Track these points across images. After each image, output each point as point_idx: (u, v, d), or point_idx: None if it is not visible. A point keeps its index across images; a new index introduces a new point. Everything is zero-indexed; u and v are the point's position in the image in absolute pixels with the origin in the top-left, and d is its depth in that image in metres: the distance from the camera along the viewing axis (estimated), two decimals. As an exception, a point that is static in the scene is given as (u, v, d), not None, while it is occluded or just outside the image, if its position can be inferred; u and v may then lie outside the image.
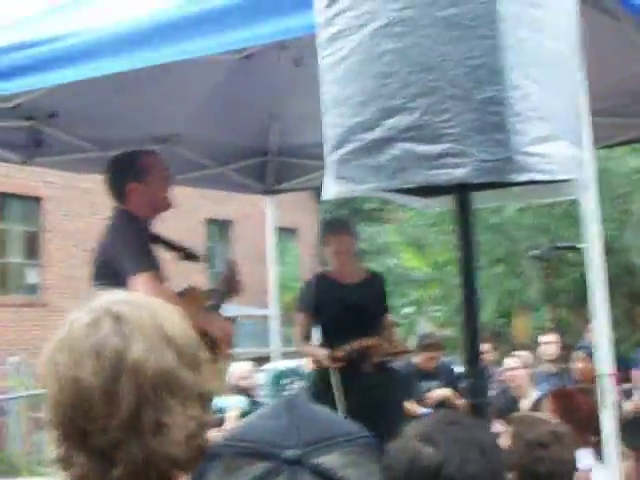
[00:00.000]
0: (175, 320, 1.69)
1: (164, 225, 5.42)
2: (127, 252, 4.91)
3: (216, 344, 5.27)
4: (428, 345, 9.06)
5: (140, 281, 4.77)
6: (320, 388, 6.56)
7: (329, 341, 6.60)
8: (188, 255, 5.70)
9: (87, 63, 4.17)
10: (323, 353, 6.46)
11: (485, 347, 9.54)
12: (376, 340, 6.52)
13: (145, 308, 1.68)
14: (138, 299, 1.72)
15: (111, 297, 1.71)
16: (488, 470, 2.30)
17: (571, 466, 3.55)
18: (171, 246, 5.63)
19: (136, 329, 1.63)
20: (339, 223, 7.42)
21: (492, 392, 9.24)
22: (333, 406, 6.11)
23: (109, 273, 4.94)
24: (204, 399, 1.67)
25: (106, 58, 4.12)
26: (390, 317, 7.22)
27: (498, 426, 5.31)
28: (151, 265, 4.90)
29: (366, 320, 6.70)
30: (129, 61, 4.08)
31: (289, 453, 1.32)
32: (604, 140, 7.32)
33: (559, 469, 3.43)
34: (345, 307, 6.59)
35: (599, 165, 13.63)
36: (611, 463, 3.60)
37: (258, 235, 13.94)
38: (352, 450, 1.37)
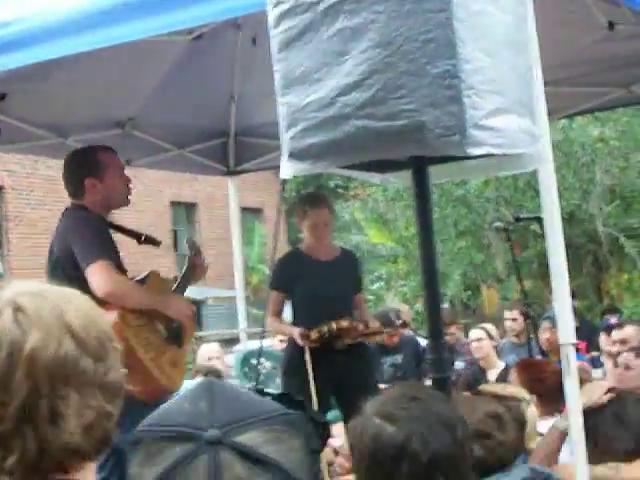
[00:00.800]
0: (81, 310, 1.67)
1: (130, 210, 5.42)
2: (81, 244, 4.93)
3: (180, 329, 5.29)
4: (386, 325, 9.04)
5: (93, 270, 4.79)
6: (292, 366, 6.55)
7: (301, 319, 6.58)
8: (147, 239, 5.69)
9: (36, 47, 4.13)
10: (297, 332, 6.42)
11: (452, 329, 9.58)
12: (350, 322, 6.52)
13: (49, 298, 1.66)
14: (46, 290, 1.70)
15: (19, 288, 1.69)
16: (453, 443, 2.30)
17: (517, 442, 3.54)
18: (129, 232, 5.64)
19: (35, 319, 1.61)
20: (318, 196, 7.39)
21: (461, 365, 9.29)
22: (305, 384, 6.12)
23: (66, 267, 4.95)
24: (109, 389, 1.64)
25: (54, 42, 4.08)
26: (362, 296, 7.22)
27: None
28: (104, 254, 4.89)
29: (340, 298, 6.70)
30: (78, 44, 4.05)
31: (209, 434, 1.35)
32: (565, 109, 7.35)
33: (505, 452, 3.43)
34: (320, 284, 6.57)
35: (561, 135, 13.71)
36: (575, 431, 3.62)
37: (223, 217, 13.92)
38: (272, 428, 1.40)
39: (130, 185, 5.36)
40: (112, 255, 4.96)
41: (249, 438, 1.36)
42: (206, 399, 1.41)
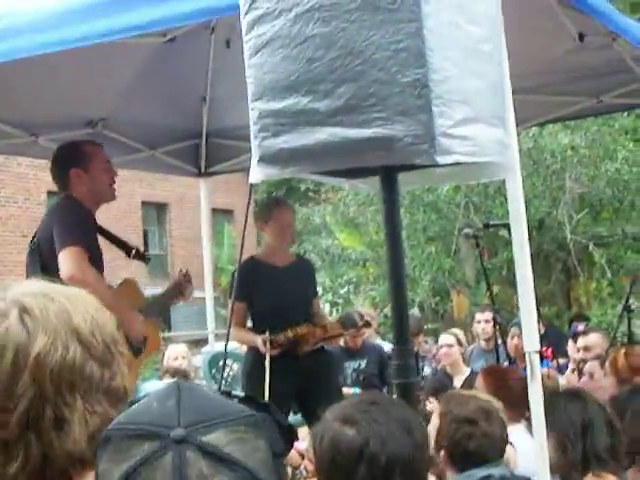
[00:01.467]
0: (88, 313, 1.66)
1: (100, 209, 5.44)
2: (61, 227, 4.97)
3: (145, 341, 5.30)
4: (350, 326, 9.04)
5: (65, 254, 4.81)
6: (254, 371, 6.55)
7: (263, 326, 6.55)
8: (137, 255, 5.71)
9: (4, 46, 4.13)
10: (259, 340, 6.39)
11: (419, 338, 9.59)
12: (308, 327, 6.53)
13: (55, 299, 1.64)
14: (52, 290, 1.67)
15: (25, 288, 1.67)
16: (411, 446, 2.32)
17: (501, 441, 3.60)
18: (119, 243, 5.66)
19: (41, 322, 1.59)
20: (283, 198, 7.44)
21: (428, 372, 9.31)
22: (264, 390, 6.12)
23: (45, 249, 4.98)
24: (113, 395, 1.64)
25: (23, 41, 4.09)
26: (318, 300, 7.25)
27: (431, 404, 5.38)
28: (80, 242, 4.90)
29: (300, 304, 6.73)
30: (46, 44, 4.05)
31: (175, 432, 1.38)
32: (536, 118, 7.41)
33: (489, 444, 3.48)
34: (279, 291, 6.57)
35: (531, 142, 13.76)
36: (539, 437, 3.65)
37: (194, 217, 13.89)
38: (237, 428, 1.42)
39: (115, 179, 5.40)
40: (88, 247, 4.96)
41: (214, 438, 1.38)
42: (174, 399, 1.43)
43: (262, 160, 2.69)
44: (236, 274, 6.61)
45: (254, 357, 6.57)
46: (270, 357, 6.31)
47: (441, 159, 2.51)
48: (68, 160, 5.30)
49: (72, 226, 5.00)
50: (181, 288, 5.76)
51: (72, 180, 5.24)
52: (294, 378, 6.36)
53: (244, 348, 9.90)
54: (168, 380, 7.92)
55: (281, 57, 2.63)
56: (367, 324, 8.78)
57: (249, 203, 6.54)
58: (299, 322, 6.54)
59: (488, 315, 9.13)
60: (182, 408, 1.41)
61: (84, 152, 5.32)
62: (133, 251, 5.72)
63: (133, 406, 1.50)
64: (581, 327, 10.40)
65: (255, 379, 6.44)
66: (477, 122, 2.62)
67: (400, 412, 2.39)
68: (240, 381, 7.15)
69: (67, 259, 4.84)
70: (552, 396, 4.33)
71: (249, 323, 6.94)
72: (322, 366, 6.65)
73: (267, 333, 6.36)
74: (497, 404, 4.07)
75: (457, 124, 2.54)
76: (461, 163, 2.66)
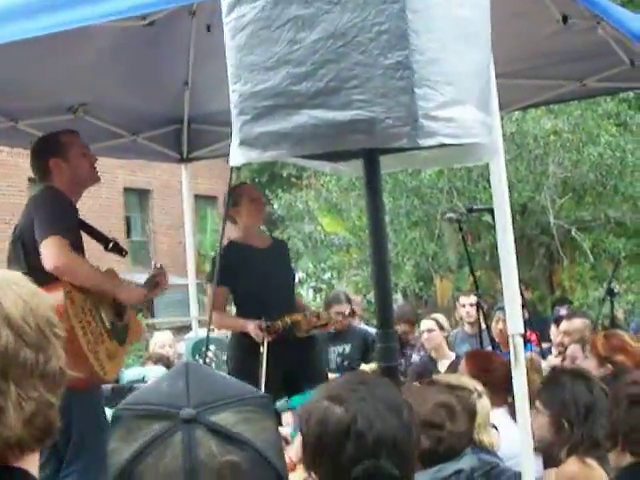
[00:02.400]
0: (20, 298, 1.62)
1: (82, 195, 5.43)
2: (42, 217, 4.97)
3: (126, 329, 5.30)
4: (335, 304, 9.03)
5: (47, 243, 4.80)
6: (243, 357, 6.53)
7: (249, 309, 6.52)
8: (115, 248, 5.70)
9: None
10: (253, 326, 6.35)
11: (403, 328, 9.57)
12: (303, 314, 6.56)
13: None
14: None
15: None
16: (398, 426, 2.32)
17: (468, 432, 3.58)
18: (97, 235, 5.64)
19: None
20: (240, 184, 7.48)
21: (416, 358, 9.30)
22: (256, 375, 6.10)
23: (26, 239, 4.96)
24: (49, 379, 1.62)
25: (1, 27, 4.06)
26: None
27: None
28: (62, 231, 4.89)
29: (285, 285, 6.78)
30: (26, 29, 4.02)
31: (185, 412, 1.41)
32: (519, 102, 7.40)
33: (457, 441, 3.46)
34: (264, 271, 6.55)
35: (514, 127, 13.79)
36: (523, 421, 3.65)
37: (177, 204, 13.84)
38: (246, 409, 1.46)
39: (95, 164, 5.40)
40: (69, 236, 4.95)
41: (223, 418, 1.42)
42: (183, 380, 1.47)
43: (242, 143, 2.67)
44: (217, 259, 6.59)
45: (242, 342, 6.54)
46: (250, 348, 6.30)
47: (423, 141, 2.49)
48: (46, 151, 5.34)
49: (53, 216, 4.99)
50: (156, 280, 5.73)
51: (52, 170, 5.27)
52: (282, 364, 6.34)
53: (227, 334, 9.92)
54: (150, 367, 7.91)
55: (261, 39, 2.61)
56: (353, 313, 8.81)
57: (230, 187, 6.52)
58: (285, 304, 6.56)
59: (473, 299, 9.13)
60: (191, 388, 1.45)
61: (61, 141, 5.34)
62: (110, 244, 5.70)
63: (144, 386, 1.58)
64: (564, 311, 10.44)
65: (245, 365, 6.42)
66: (462, 104, 2.61)
67: (388, 392, 2.39)
68: (226, 366, 7.12)
69: (49, 249, 4.83)
70: (556, 373, 4.34)
71: (233, 309, 6.92)
72: (309, 351, 6.65)
73: (262, 319, 6.32)
74: (477, 387, 4.06)
75: (441, 106, 2.52)
76: (445, 146, 2.64)
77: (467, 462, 3.43)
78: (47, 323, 1.65)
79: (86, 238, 5.50)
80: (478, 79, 2.73)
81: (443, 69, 2.55)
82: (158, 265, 5.84)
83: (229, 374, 6.53)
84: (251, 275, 6.55)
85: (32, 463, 1.65)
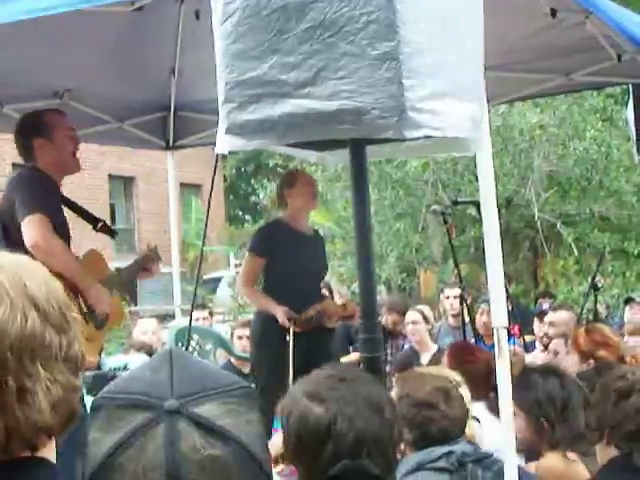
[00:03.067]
0: (41, 279, 1.61)
1: (67, 182, 5.39)
2: (24, 196, 4.92)
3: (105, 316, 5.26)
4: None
5: (28, 221, 4.76)
6: (266, 340, 6.56)
7: (280, 290, 6.53)
8: (104, 229, 5.66)
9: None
10: (282, 313, 6.36)
11: (393, 317, 9.56)
12: (332, 303, 6.59)
13: (8, 269, 1.59)
14: (2, 259, 1.63)
15: None
16: (380, 425, 2.31)
17: (462, 419, 3.59)
18: (86, 216, 5.60)
19: None
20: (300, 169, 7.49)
21: (406, 345, 9.30)
22: (277, 362, 6.17)
23: (6, 218, 4.92)
24: (72, 362, 1.60)
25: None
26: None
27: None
28: (44, 210, 4.85)
29: (319, 273, 6.84)
30: (12, 12, 4.00)
31: (168, 403, 1.38)
32: (505, 95, 7.39)
33: (451, 425, 3.47)
34: (303, 256, 6.54)
35: (500, 120, 13.80)
36: (506, 413, 3.65)
37: (162, 192, 13.80)
38: (230, 400, 1.42)
39: (79, 147, 5.34)
40: (53, 216, 4.91)
41: (207, 410, 1.38)
42: (167, 369, 1.43)
43: (229, 131, 2.66)
44: (261, 229, 6.74)
45: (265, 324, 6.55)
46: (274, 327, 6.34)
47: (409, 133, 2.49)
48: (31, 130, 5.25)
49: (35, 194, 4.94)
50: (146, 263, 5.69)
51: (36, 150, 5.19)
52: (300, 352, 6.35)
53: (208, 323, 9.92)
54: (133, 355, 7.88)
55: (250, 27, 2.59)
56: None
57: (214, 175, 6.50)
58: (313, 294, 6.61)
59: (457, 291, 9.14)
60: (175, 378, 1.41)
61: (47, 121, 5.26)
62: (100, 224, 5.65)
63: (125, 374, 1.52)
64: (546, 305, 10.48)
65: (268, 348, 6.48)
66: (449, 96, 2.60)
67: (369, 390, 2.37)
68: (207, 355, 7.12)
69: (30, 227, 4.78)
70: (526, 373, 4.34)
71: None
72: (327, 344, 6.63)
73: (288, 309, 6.35)
74: (455, 379, 4.08)
75: (428, 98, 2.52)
76: (431, 137, 2.64)
77: (459, 446, 3.44)
78: (66, 306, 1.64)
79: (75, 218, 5.45)
80: (466, 70, 2.72)
81: (430, 61, 2.54)
82: (152, 245, 5.80)
83: (253, 359, 6.51)
84: (291, 256, 6.52)
85: (53, 450, 1.64)
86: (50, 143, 5.19)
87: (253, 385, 6.19)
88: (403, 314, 9.39)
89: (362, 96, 2.46)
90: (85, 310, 5.10)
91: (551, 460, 3.97)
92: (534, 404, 4.08)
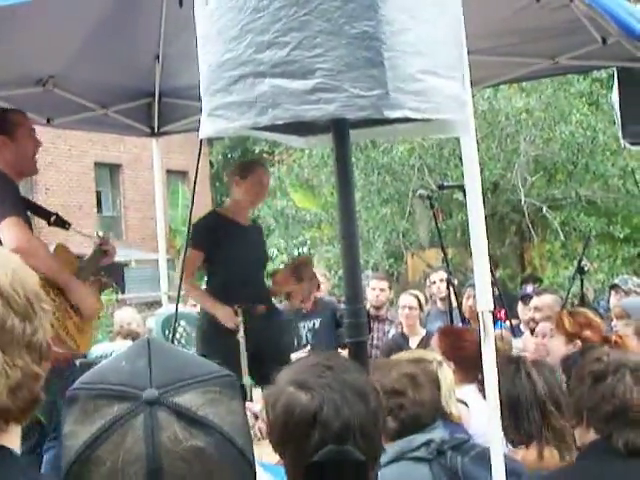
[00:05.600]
0: (9, 267, 1.62)
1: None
2: None
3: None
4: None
5: (5, 224, 4.73)
6: (210, 332, 6.52)
7: (221, 283, 6.54)
8: (57, 222, 5.62)
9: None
10: (225, 315, 6.37)
11: (381, 284, 9.54)
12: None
13: None
14: None
15: None
16: (365, 412, 2.31)
17: (433, 404, 3.59)
18: (39, 211, 5.57)
19: None
20: (264, 161, 7.40)
21: (385, 331, 9.31)
22: (226, 350, 6.09)
23: None
24: (35, 350, 1.60)
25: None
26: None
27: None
28: (17, 212, 4.82)
29: (260, 264, 6.78)
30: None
31: (147, 393, 1.34)
32: (490, 79, 7.38)
33: (422, 410, 3.47)
34: (243, 248, 6.52)
35: (486, 105, 13.79)
36: (491, 396, 3.66)
37: (148, 179, 13.75)
38: (212, 389, 1.39)
39: (38, 149, 5.29)
40: (25, 215, 4.89)
41: (187, 399, 1.35)
42: (144, 358, 1.40)
43: (211, 114, 2.64)
44: (196, 223, 6.63)
45: (213, 323, 6.52)
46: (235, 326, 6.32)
47: (389, 113, 2.46)
48: None
49: (4, 199, 4.89)
50: (103, 248, 5.67)
51: None
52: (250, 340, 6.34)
53: (199, 309, 9.91)
54: (120, 342, 7.87)
55: (228, 7, 2.57)
56: (317, 287, 8.85)
57: (199, 160, 6.48)
58: (255, 286, 6.56)
59: (442, 274, 9.16)
60: (153, 367, 1.38)
61: (10, 120, 5.20)
62: (52, 217, 5.61)
63: (101, 364, 1.47)
64: (530, 289, 10.50)
65: (218, 344, 6.40)
66: (432, 75, 2.58)
67: (355, 378, 2.37)
68: (194, 342, 7.11)
69: (10, 230, 4.75)
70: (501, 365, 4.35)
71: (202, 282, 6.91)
72: (272, 329, 6.63)
73: (236, 307, 6.31)
74: (436, 358, 4.08)
75: (410, 77, 2.50)
76: (413, 120, 2.62)
77: (438, 434, 3.44)
78: (35, 295, 1.63)
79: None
80: (449, 49, 2.70)
81: (412, 39, 2.52)
82: (100, 234, 5.78)
83: (198, 352, 6.52)
84: (229, 247, 6.51)
85: (14, 436, 1.63)
86: (12, 142, 5.12)
87: None
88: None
89: (339, 74, 2.44)
90: (73, 303, 5.10)
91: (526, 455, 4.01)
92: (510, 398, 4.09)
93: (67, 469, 1.36)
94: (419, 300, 8.90)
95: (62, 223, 5.66)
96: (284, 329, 7.12)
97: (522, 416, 4.05)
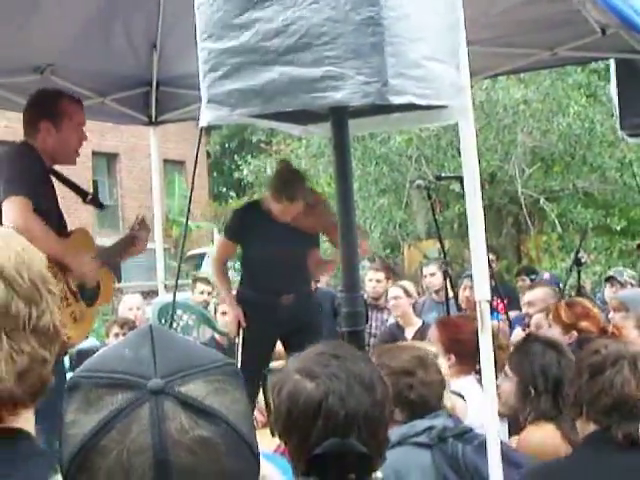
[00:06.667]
0: (14, 250, 1.60)
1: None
2: (8, 175, 4.86)
3: (96, 290, 5.23)
4: None
5: (9, 204, 4.72)
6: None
7: (251, 276, 6.63)
8: (93, 201, 5.62)
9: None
10: (234, 317, 6.51)
11: (377, 275, 9.54)
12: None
13: None
14: None
15: None
16: (371, 403, 2.30)
17: (440, 387, 3.61)
18: (76, 188, 5.56)
19: None
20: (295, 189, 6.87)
21: (384, 320, 9.32)
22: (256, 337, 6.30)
23: None
24: (42, 334, 1.58)
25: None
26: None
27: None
28: (26, 192, 4.79)
29: (294, 258, 6.58)
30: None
31: (152, 382, 1.31)
32: (489, 70, 7.37)
33: (428, 392, 3.49)
34: (275, 242, 6.44)
35: (484, 95, 13.75)
36: (488, 387, 3.66)
37: (145, 168, 13.74)
38: (216, 378, 1.37)
39: (82, 144, 5.27)
40: (36, 199, 4.85)
41: (193, 389, 1.33)
42: (147, 346, 1.37)
43: (211, 101, 2.63)
44: (233, 212, 6.72)
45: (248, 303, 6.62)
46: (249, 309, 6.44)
47: (393, 99, 2.46)
48: (43, 110, 5.14)
49: (19, 177, 4.86)
50: (134, 239, 5.65)
51: (40, 132, 5.08)
52: (275, 329, 6.46)
53: (195, 298, 9.94)
54: (116, 330, 7.88)
55: (231, -6, 2.57)
56: None
57: (198, 149, 6.46)
58: (293, 274, 6.58)
59: (433, 268, 9.19)
60: (157, 355, 1.36)
61: (61, 108, 5.14)
62: (89, 197, 5.61)
63: (102, 352, 1.44)
64: (521, 282, 10.56)
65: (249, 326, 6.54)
66: (434, 61, 2.58)
67: (361, 368, 2.36)
68: (190, 330, 7.14)
69: (10, 210, 4.73)
70: (530, 340, 4.36)
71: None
72: (299, 317, 6.58)
73: (240, 315, 6.47)
74: (430, 349, 4.10)
75: (413, 63, 2.50)
76: (414, 109, 2.62)
77: (440, 421, 3.46)
78: (40, 277, 1.61)
79: (64, 190, 5.41)
80: (449, 35, 2.70)
81: (414, 25, 2.52)
82: (140, 217, 5.75)
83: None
84: (263, 243, 6.49)
85: (28, 421, 1.62)
86: (57, 131, 5.09)
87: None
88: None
89: (346, 62, 2.44)
90: (75, 289, 5.08)
91: (531, 434, 4.00)
92: (528, 371, 4.10)
93: (71, 458, 1.34)
94: (405, 289, 8.89)
95: (98, 203, 5.67)
96: (313, 314, 7.01)
97: (561, 394, 4.02)
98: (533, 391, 4.05)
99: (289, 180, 6.28)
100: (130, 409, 1.31)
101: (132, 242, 5.62)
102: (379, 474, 2.34)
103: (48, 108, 5.15)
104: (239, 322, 6.47)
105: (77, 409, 1.35)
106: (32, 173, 4.95)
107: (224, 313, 8.75)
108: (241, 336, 6.35)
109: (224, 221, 6.87)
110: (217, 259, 6.90)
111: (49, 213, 4.99)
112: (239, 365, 6.15)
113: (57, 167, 5.32)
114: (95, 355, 1.43)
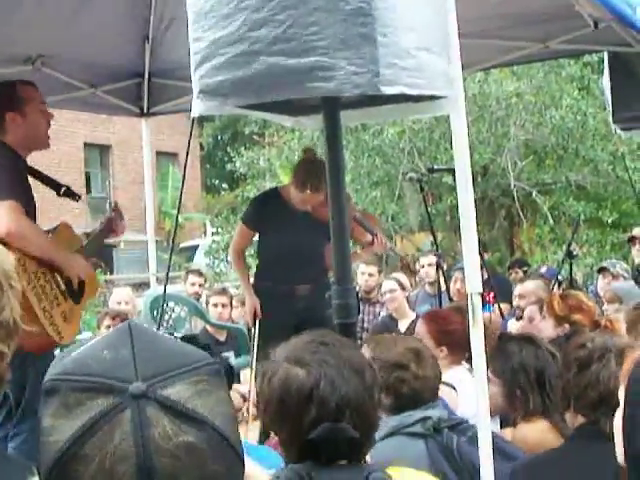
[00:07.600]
0: None
1: (42, 151, 5.29)
2: None
3: (82, 286, 5.21)
4: None
5: (0, 208, 4.68)
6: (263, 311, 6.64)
7: (269, 265, 6.63)
8: (67, 193, 5.59)
9: None
10: (250, 308, 6.52)
11: (369, 269, 9.53)
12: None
13: None
14: None
15: None
16: (361, 388, 2.30)
17: (434, 381, 3.61)
18: (49, 182, 5.52)
19: None
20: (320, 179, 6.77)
21: (376, 313, 9.31)
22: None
23: None
24: (2, 328, 1.57)
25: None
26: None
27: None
28: (14, 195, 4.76)
29: (311, 248, 6.49)
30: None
31: (134, 387, 1.28)
32: (482, 62, 7.36)
33: (422, 386, 3.49)
34: (294, 232, 6.42)
35: (477, 88, 13.75)
36: (480, 380, 3.66)
37: (138, 160, 13.72)
38: (199, 379, 1.33)
39: (51, 121, 5.23)
40: (23, 199, 4.82)
41: (175, 392, 1.29)
42: (127, 346, 1.32)
43: (203, 92, 2.62)
44: (253, 199, 6.75)
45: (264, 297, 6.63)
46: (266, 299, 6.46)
47: (385, 89, 2.45)
48: (3, 103, 5.05)
49: (5, 177, 4.83)
50: (112, 224, 5.65)
51: (7, 125, 5.02)
52: (291, 318, 6.36)
53: (187, 289, 9.93)
54: (108, 322, 7.86)
55: (221, -16, 2.55)
56: None
57: (190, 141, 6.45)
58: (309, 264, 6.52)
59: (432, 258, 9.16)
60: (138, 357, 1.31)
61: (20, 95, 5.08)
62: (63, 189, 5.57)
63: (79, 353, 1.36)
64: (513, 275, 10.57)
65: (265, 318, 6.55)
66: (425, 51, 2.57)
67: (350, 354, 2.36)
68: (183, 322, 7.12)
69: (2, 214, 4.70)
70: (503, 341, 4.36)
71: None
72: (315, 308, 6.54)
73: (257, 304, 6.48)
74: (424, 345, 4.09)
75: (404, 53, 2.48)
76: (405, 100, 2.62)
77: (435, 412, 3.46)
78: (3, 273, 1.60)
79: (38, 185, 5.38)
80: (440, 26, 2.69)
81: (404, 16, 2.51)
82: (113, 205, 5.74)
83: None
84: (281, 233, 6.48)
85: None
86: (23, 118, 5.04)
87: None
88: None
89: (336, 52, 2.42)
90: (63, 287, 5.07)
91: (525, 431, 4.00)
92: (508, 372, 4.10)
93: (50, 466, 1.29)
94: (399, 282, 8.89)
95: (72, 195, 5.63)
96: (326, 304, 7.00)
97: (547, 387, 4.02)
98: (519, 391, 4.06)
99: (315, 169, 6.19)
100: (112, 415, 1.26)
101: (110, 229, 5.62)
102: (368, 458, 2.35)
103: (7, 99, 5.07)
104: (255, 312, 6.46)
105: (55, 414, 1.31)
106: (14, 172, 4.91)
107: (215, 305, 8.76)
108: (257, 326, 6.35)
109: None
110: (235, 248, 6.88)
111: (33, 210, 4.97)
112: (255, 355, 6.23)
113: (45, 165, 5.28)
114: (73, 355, 1.36)
